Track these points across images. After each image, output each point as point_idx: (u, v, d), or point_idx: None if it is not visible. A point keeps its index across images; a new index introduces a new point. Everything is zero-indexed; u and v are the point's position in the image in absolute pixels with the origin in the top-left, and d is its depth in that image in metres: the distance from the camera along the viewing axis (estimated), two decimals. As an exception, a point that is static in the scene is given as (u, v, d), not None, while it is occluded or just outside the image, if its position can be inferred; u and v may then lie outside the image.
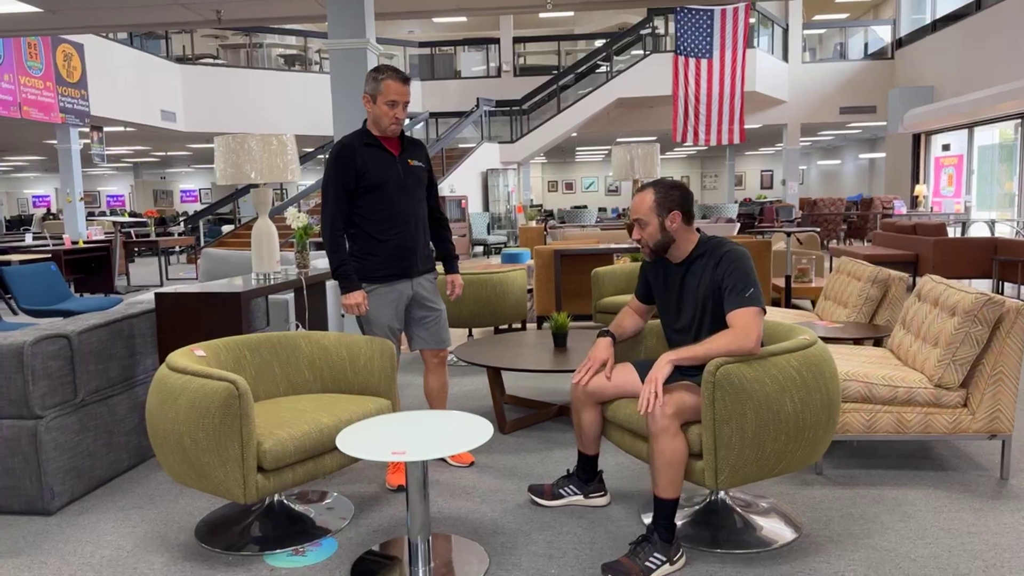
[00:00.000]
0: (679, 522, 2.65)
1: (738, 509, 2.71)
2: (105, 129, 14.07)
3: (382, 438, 2.34)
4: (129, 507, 2.97)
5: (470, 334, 6.33)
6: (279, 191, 20.86)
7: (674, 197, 2.54)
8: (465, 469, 3.26)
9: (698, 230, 2.63)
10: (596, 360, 2.69)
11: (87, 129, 12.89)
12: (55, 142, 12.74)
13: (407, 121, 3.13)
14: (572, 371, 3.49)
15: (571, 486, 2.85)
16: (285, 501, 2.86)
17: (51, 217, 20.50)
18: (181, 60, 15.52)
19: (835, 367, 2.48)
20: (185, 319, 3.27)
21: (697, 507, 2.74)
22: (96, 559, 2.54)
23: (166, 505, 2.99)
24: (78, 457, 3.03)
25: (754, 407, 2.27)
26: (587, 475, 2.84)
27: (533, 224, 12.70)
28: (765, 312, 2.42)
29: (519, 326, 6.25)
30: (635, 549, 2.33)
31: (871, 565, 2.36)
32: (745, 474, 2.33)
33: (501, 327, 6.21)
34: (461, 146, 16.17)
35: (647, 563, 2.29)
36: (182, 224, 17.35)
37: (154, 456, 3.52)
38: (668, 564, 2.32)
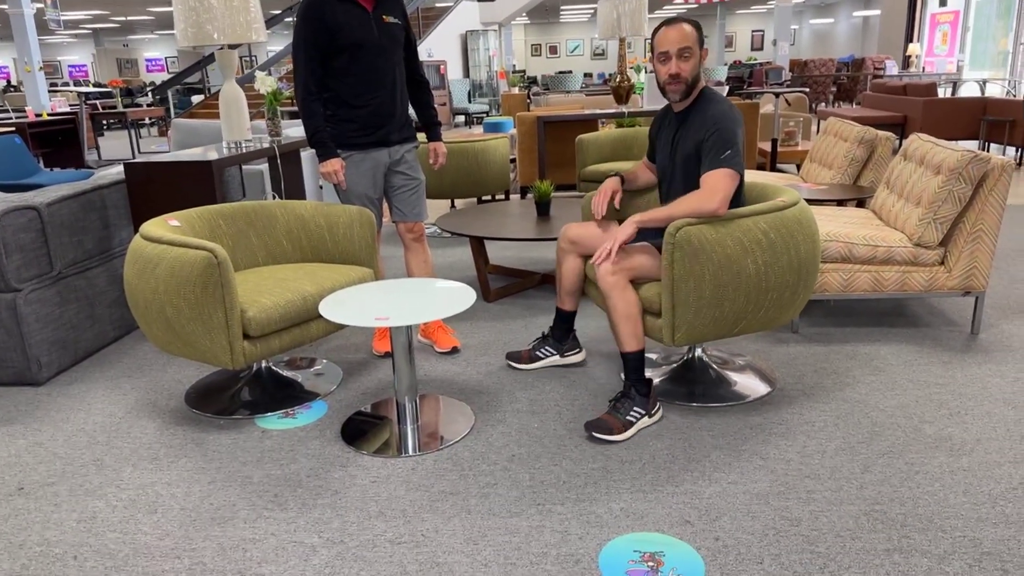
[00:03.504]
0: (657, 379, 2.74)
1: (714, 366, 2.79)
2: (57, -9, 13.13)
3: (365, 305, 2.34)
4: (118, 376, 3.02)
5: (452, 205, 6.26)
6: (248, 58, 19.88)
7: (702, 34, 2.48)
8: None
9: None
10: (607, 189, 2.73)
11: (37, -9, 12.04)
12: (6, 6, 11.93)
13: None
14: (556, 240, 3.48)
15: (546, 347, 2.91)
16: (273, 367, 2.91)
17: (12, 89, 19.56)
18: (132, -88, 14.30)
19: (814, 230, 2.45)
20: (157, 189, 3.18)
21: (675, 364, 2.82)
22: (89, 425, 2.60)
23: (154, 373, 3.03)
24: (61, 329, 3.03)
25: (712, 268, 2.28)
26: (561, 332, 2.89)
27: (516, 91, 12.29)
28: (741, 176, 2.38)
29: (502, 196, 6.18)
30: (615, 405, 2.42)
31: (840, 415, 2.46)
32: (702, 332, 2.38)
33: (484, 197, 6.14)
34: (438, 5, 15.33)
35: (628, 417, 2.38)
36: (150, 95, 16.65)
37: (139, 328, 3.54)
38: (647, 417, 2.42)
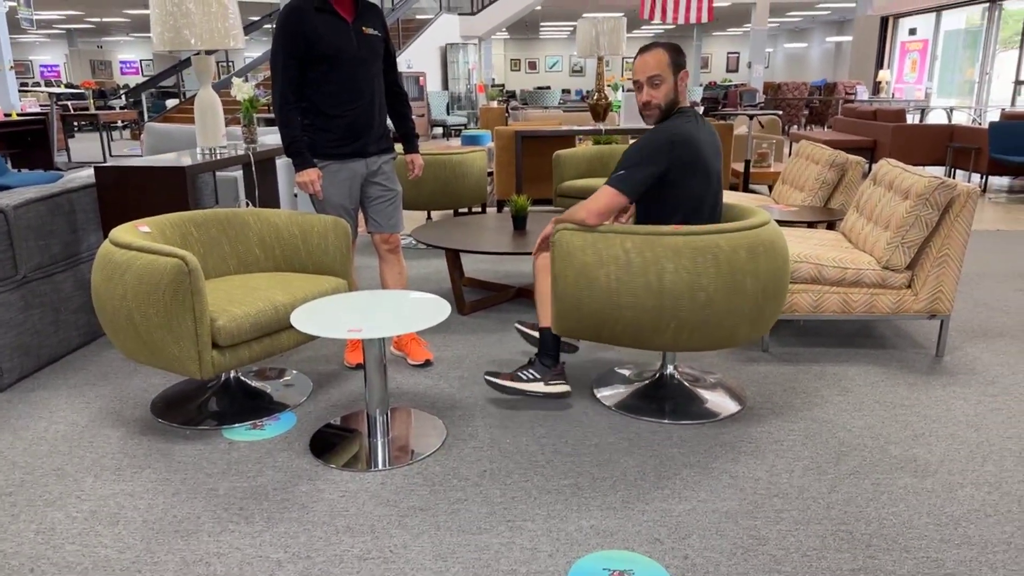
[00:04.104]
0: (628, 395, 2.75)
1: (685, 383, 2.81)
2: (31, -10, 12.93)
3: (338, 316, 2.32)
4: (82, 384, 2.95)
5: (429, 217, 6.25)
6: (225, 64, 19.73)
7: (683, 58, 2.53)
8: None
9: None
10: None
11: (10, -11, 11.84)
12: (-24, 3, 11.69)
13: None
14: (531, 254, 3.49)
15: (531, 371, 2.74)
16: (242, 378, 2.87)
17: (-20, 88, 19.14)
18: (110, -87, 14.16)
19: (722, 264, 2.33)
20: (128, 194, 3.13)
21: (647, 381, 2.84)
22: (50, 434, 2.54)
23: (120, 382, 2.97)
24: (25, 335, 2.96)
25: (573, 272, 2.44)
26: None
27: (494, 104, 12.34)
28: (626, 196, 2.42)
29: (479, 209, 6.18)
30: (516, 369, 2.67)
31: (808, 435, 2.49)
32: (571, 328, 2.54)
33: (460, 210, 6.14)
34: (419, 17, 15.37)
35: (519, 374, 2.63)
36: (123, 97, 16.42)
37: (105, 334, 3.47)
38: (542, 383, 2.61)
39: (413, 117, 3.19)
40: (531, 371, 2.63)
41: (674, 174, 2.43)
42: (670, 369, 2.84)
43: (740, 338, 2.50)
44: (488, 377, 2.65)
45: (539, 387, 2.61)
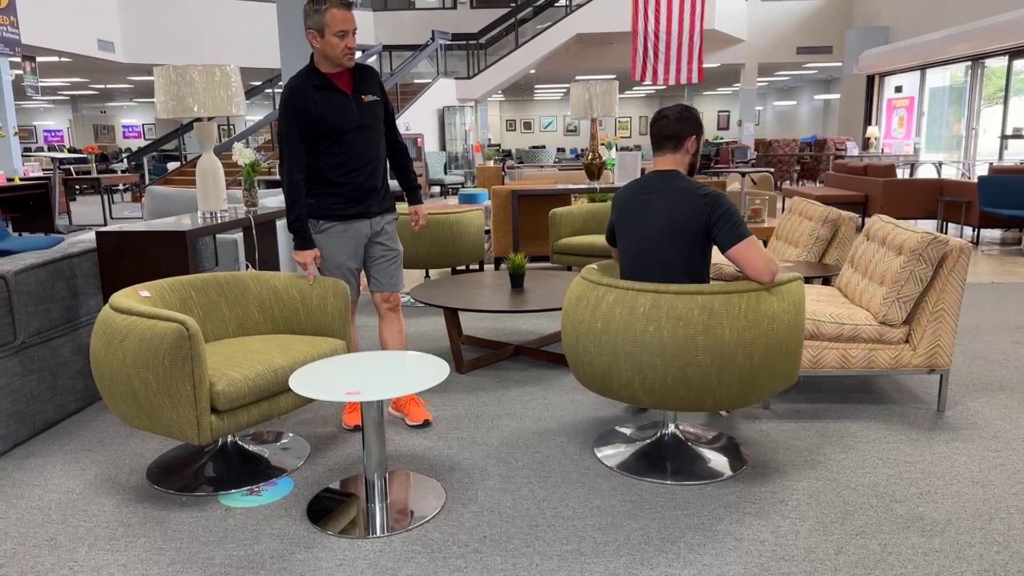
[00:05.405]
0: (629, 455, 2.72)
1: (688, 442, 2.79)
2: (38, 59, 13.29)
3: (337, 378, 2.32)
4: (77, 450, 2.92)
5: (427, 275, 6.28)
6: (226, 127, 20.12)
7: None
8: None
9: (643, 170, 2.78)
10: None
11: (19, 59, 12.16)
12: (-17, 72, 11.97)
13: (359, 54, 2.97)
14: (529, 311, 3.50)
15: None
16: (239, 442, 2.84)
17: (-16, 153, 19.41)
18: (118, -15, 14.62)
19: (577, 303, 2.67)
20: (129, 259, 3.16)
21: (648, 440, 2.81)
22: (44, 502, 2.50)
23: (116, 447, 2.94)
24: (22, 400, 2.94)
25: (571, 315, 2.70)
26: None
27: (491, 164, 12.54)
28: (607, 238, 2.95)
29: (476, 267, 6.22)
30: None
31: (813, 494, 2.46)
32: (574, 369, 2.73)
33: (458, 268, 6.18)
34: (416, 81, 15.74)
35: None
36: (125, 161, 16.68)
37: (102, 399, 3.45)
38: None
39: (414, 170, 3.24)
40: None
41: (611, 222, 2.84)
42: (671, 428, 2.82)
43: (744, 399, 2.49)
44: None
45: None
